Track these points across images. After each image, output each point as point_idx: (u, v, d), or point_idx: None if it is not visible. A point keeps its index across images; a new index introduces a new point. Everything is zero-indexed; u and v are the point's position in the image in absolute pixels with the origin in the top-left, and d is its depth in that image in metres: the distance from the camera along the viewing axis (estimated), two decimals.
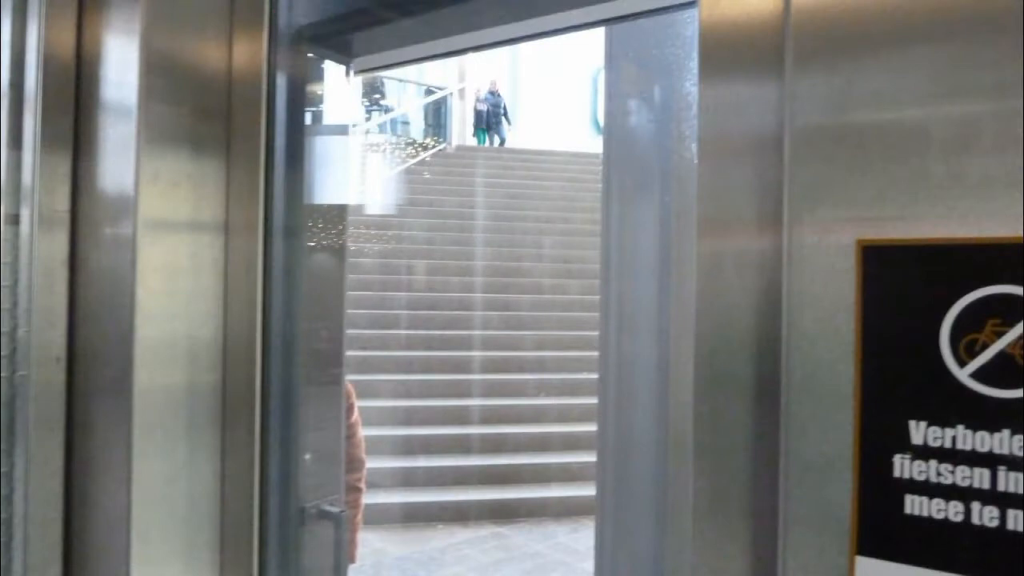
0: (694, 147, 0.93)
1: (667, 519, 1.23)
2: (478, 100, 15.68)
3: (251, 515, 1.34)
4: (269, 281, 1.36)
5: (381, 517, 5.92)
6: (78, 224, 1.37)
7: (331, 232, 1.54)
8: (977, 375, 0.62)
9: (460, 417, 7.48)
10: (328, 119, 1.53)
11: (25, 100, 1.37)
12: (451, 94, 16.34)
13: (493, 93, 15.45)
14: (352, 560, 2.43)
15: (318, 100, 1.50)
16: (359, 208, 10.20)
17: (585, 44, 11.63)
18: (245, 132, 1.36)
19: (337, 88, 1.54)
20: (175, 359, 1.30)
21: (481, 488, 6.58)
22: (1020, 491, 0.60)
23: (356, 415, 2.50)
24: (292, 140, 1.40)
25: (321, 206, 1.52)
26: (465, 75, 16.34)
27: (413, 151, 13.16)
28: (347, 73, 1.54)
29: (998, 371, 0.61)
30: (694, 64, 0.90)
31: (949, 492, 0.63)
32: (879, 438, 0.67)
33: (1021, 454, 0.60)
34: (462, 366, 8.22)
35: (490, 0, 1.26)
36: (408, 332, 8.57)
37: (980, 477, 0.62)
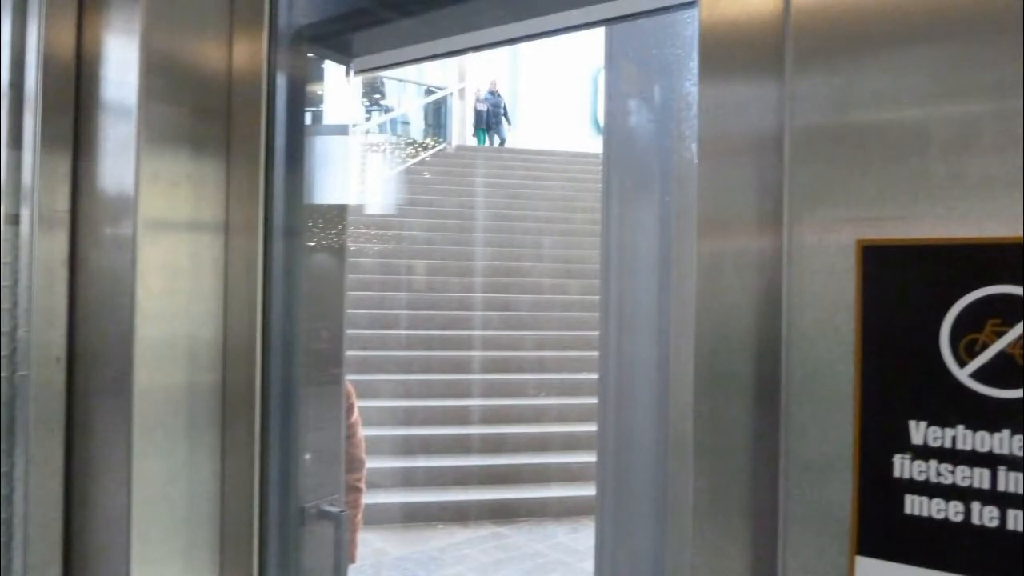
0: (694, 147, 0.93)
1: (667, 519, 1.23)
2: (478, 100, 15.68)
3: (251, 515, 1.34)
4: (269, 281, 1.36)
5: (381, 517, 5.92)
6: (78, 224, 1.37)
7: (331, 232, 1.54)
8: (977, 375, 0.62)
9: (460, 417, 7.48)
10: (328, 119, 1.53)
11: (25, 100, 1.37)
12: (451, 94, 16.33)
13: (493, 93, 15.45)
14: (352, 560, 2.43)
15: (318, 100, 1.50)
16: (359, 208, 10.19)
17: (585, 44, 11.63)
18: (245, 132, 1.36)
19: (337, 88, 1.54)
20: (175, 359, 1.30)
21: (481, 488, 6.58)
22: (1020, 491, 0.60)
23: (356, 415, 2.50)
24: (292, 140, 1.40)
25: (321, 206, 1.51)
26: (465, 75, 16.33)
27: (413, 151, 13.16)
28: (347, 73, 1.54)
29: (998, 371, 0.61)
30: (694, 64, 0.90)
31: (949, 492, 0.63)
32: (879, 438, 0.67)
33: (1021, 454, 0.60)
34: (462, 366, 8.22)
35: (490, 0, 1.26)
36: (408, 332, 8.56)
37: (980, 477, 0.62)
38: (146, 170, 1.26)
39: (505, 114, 15.66)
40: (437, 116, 16.80)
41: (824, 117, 0.71)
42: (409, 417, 7.34)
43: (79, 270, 1.37)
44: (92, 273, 1.35)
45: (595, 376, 1.44)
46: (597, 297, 1.42)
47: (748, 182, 0.77)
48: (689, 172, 1.21)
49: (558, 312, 9.12)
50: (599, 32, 1.32)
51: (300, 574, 1.46)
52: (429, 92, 16.42)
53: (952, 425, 0.63)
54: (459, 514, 6.28)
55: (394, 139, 14.29)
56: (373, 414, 6.86)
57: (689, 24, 1.19)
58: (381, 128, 14.98)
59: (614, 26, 1.30)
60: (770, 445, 0.74)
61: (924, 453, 0.65)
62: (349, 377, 1.96)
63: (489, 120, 15.44)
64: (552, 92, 15.85)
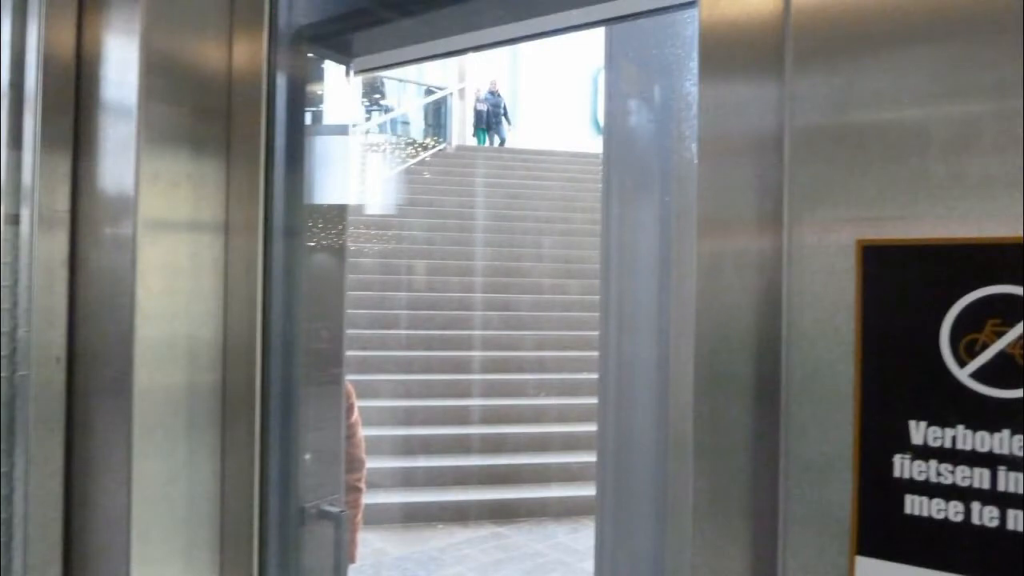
0: (694, 147, 0.93)
1: (667, 519, 1.23)
2: (478, 100, 15.68)
3: (251, 515, 1.34)
4: (269, 281, 1.36)
5: (381, 517, 5.92)
6: (78, 224, 1.37)
7: (331, 232, 1.54)
8: (977, 375, 0.62)
9: (460, 417, 7.48)
10: (328, 119, 1.53)
11: (25, 100, 1.37)
12: (451, 94, 16.33)
13: (493, 93, 15.45)
14: (352, 560, 2.43)
15: (318, 100, 1.50)
16: (359, 208, 10.19)
17: (585, 44, 11.63)
18: (245, 132, 1.36)
19: (337, 88, 1.54)
20: (175, 359, 1.30)
21: (481, 488, 6.58)
22: (1020, 491, 0.60)
23: (356, 415, 2.50)
24: (292, 140, 1.40)
25: (321, 206, 1.51)
26: (465, 75, 16.33)
27: (413, 151, 13.16)
28: (347, 73, 1.54)
29: (998, 371, 0.61)
30: (694, 64, 0.90)
31: (949, 492, 0.63)
32: (879, 438, 0.67)
33: (1021, 454, 0.60)
34: (462, 366, 8.22)
35: (490, 0, 1.26)
36: (408, 332, 8.56)
37: (980, 477, 0.62)
38: (146, 170, 1.26)
39: (505, 114, 15.66)
40: (437, 116, 16.80)
41: (824, 117, 0.71)
42: (409, 417, 7.34)
43: (79, 270, 1.37)
44: (92, 273, 1.35)
45: (595, 376, 1.44)
46: (597, 297, 1.42)
47: (748, 182, 0.77)
48: (689, 172, 1.21)
49: (558, 312, 9.12)
50: (599, 32, 1.32)
51: (300, 574, 1.46)
52: (429, 92, 16.42)
53: (952, 425, 0.63)
54: (459, 514, 6.28)
55: (394, 139, 14.29)
56: (373, 414, 6.86)
57: (689, 24, 1.19)
58: (381, 128, 14.98)
59: (614, 26, 1.30)
60: (770, 445, 0.74)
61: (924, 453, 0.65)
62: (349, 377, 1.96)
63: (489, 120, 15.44)
64: (552, 92, 15.85)
